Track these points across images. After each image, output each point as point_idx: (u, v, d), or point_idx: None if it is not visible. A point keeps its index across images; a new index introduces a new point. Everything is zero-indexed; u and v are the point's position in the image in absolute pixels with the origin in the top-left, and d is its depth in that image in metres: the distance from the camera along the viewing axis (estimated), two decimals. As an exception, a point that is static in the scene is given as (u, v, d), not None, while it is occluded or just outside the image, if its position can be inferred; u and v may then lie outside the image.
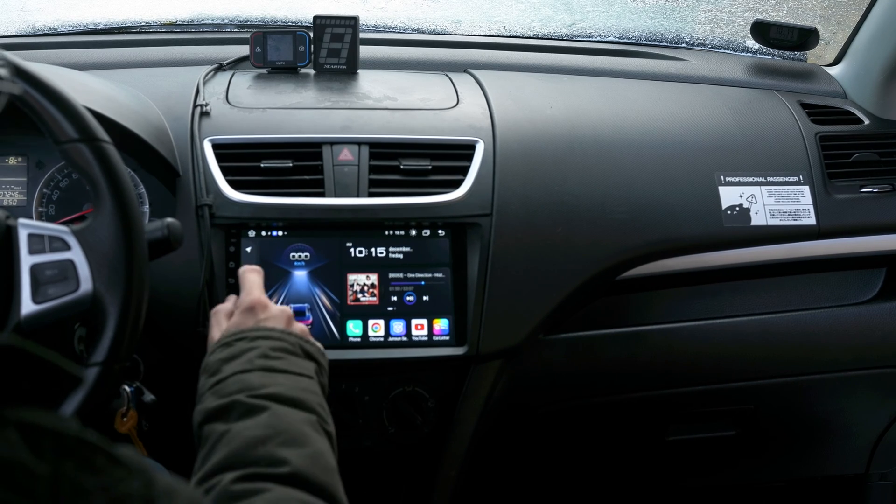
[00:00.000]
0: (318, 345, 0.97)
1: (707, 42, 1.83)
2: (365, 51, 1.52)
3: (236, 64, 1.52)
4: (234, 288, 1.23)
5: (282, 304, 1.25)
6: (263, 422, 0.80)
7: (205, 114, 1.31)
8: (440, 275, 1.27)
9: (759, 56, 1.78)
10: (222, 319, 1.00)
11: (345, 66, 1.50)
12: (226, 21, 1.75)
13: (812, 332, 1.48)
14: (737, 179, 1.41)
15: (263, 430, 0.79)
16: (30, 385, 0.48)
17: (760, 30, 1.66)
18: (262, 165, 1.27)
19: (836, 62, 1.70)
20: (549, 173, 1.34)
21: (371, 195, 1.27)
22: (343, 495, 0.79)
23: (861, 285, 1.53)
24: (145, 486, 0.46)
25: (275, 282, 1.25)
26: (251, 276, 1.03)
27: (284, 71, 1.49)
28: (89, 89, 1.20)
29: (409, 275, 1.27)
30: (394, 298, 1.26)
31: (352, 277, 1.26)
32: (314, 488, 0.75)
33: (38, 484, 0.42)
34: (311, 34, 1.49)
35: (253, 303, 0.98)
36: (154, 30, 1.71)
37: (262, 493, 0.73)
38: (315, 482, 0.76)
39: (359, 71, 1.50)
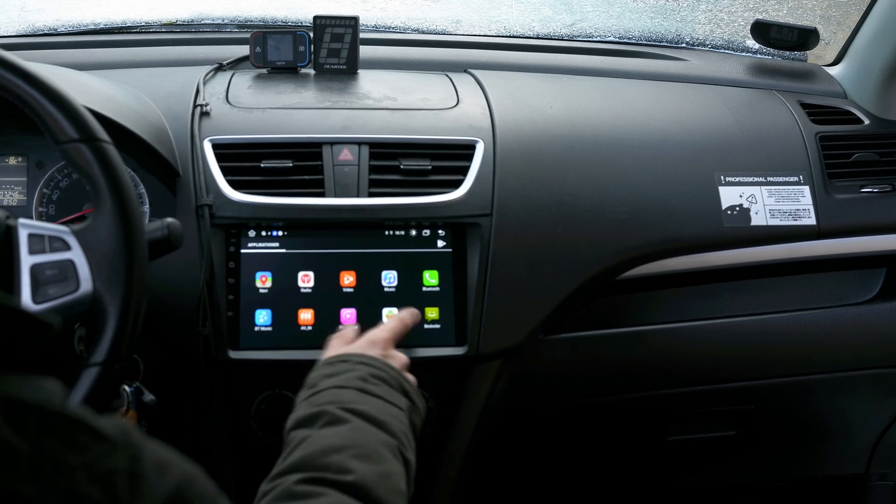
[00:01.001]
0: (420, 391, 0.99)
1: (707, 42, 1.83)
2: (365, 51, 1.52)
3: (236, 64, 1.52)
4: (234, 288, 1.24)
5: (281, 303, 1.25)
6: (343, 433, 0.82)
7: (205, 114, 1.31)
8: (440, 275, 1.27)
9: (759, 56, 1.78)
10: (338, 344, 1.03)
11: (345, 66, 1.50)
12: (226, 21, 1.75)
13: (812, 332, 1.48)
14: (737, 179, 1.41)
15: (341, 440, 0.81)
16: (8, 341, 0.47)
17: (760, 30, 1.66)
18: (262, 165, 1.27)
19: (836, 62, 1.70)
20: (549, 173, 1.34)
21: (371, 195, 1.27)
22: None
23: (861, 285, 1.53)
24: (131, 460, 0.46)
25: (275, 281, 1.25)
26: (402, 321, 1.08)
27: (284, 71, 1.49)
28: (89, 89, 1.20)
29: (409, 275, 1.27)
30: (394, 299, 1.26)
31: (351, 277, 1.26)
32: (374, 503, 0.76)
33: (18, 460, 0.41)
34: (311, 34, 1.49)
35: (379, 338, 1.02)
36: (154, 30, 1.71)
37: (321, 496, 0.74)
38: (377, 498, 0.77)
39: (359, 71, 1.50)
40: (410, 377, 1.00)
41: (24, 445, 0.42)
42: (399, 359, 1.01)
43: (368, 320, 1.26)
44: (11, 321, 0.47)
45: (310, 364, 1.23)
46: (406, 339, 1.25)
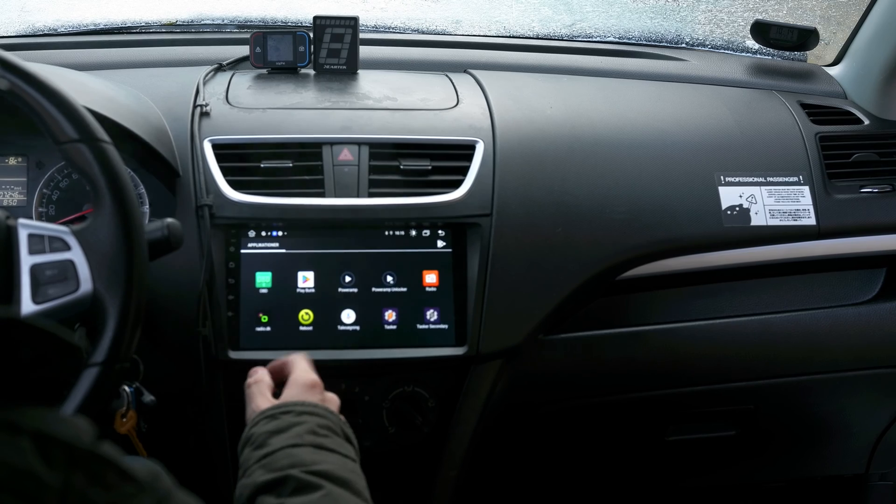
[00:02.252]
0: (352, 434, 0.96)
1: (707, 42, 1.83)
2: (365, 51, 1.52)
3: (236, 64, 1.52)
4: (234, 288, 1.24)
5: (281, 304, 1.25)
6: (318, 501, 0.79)
7: (205, 114, 1.31)
8: (440, 275, 1.27)
9: (759, 56, 1.78)
10: (265, 390, 0.98)
11: (345, 67, 1.50)
12: (226, 21, 1.75)
13: (812, 332, 1.48)
14: (737, 179, 1.41)
15: None
16: (31, 358, 0.48)
17: (760, 30, 1.66)
18: (262, 165, 1.27)
19: (836, 62, 1.70)
20: (549, 173, 1.34)
21: (371, 195, 1.27)
22: None
23: (861, 285, 1.53)
24: (157, 503, 0.46)
25: (275, 281, 1.25)
26: (303, 364, 1.02)
27: (284, 71, 1.49)
28: (89, 89, 1.20)
29: (409, 275, 1.27)
30: (394, 299, 1.26)
31: (351, 278, 1.26)
32: None
33: (47, 494, 0.42)
34: (311, 34, 1.49)
35: (316, 382, 0.97)
36: (154, 30, 1.71)
37: None
38: None
39: (359, 71, 1.50)
40: (342, 417, 0.96)
41: (53, 479, 0.43)
42: (334, 401, 0.98)
43: (368, 320, 1.26)
44: (41, 344, 0.48)
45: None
46: (406, 339, 1.26)
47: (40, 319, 0.48)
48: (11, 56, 0.88)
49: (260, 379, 1.00)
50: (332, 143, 1.30)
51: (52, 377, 0.49)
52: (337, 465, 0.84)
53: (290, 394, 0.96)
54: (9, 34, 1.68)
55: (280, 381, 1.01)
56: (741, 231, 1.39)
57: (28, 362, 0.47)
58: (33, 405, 0.46)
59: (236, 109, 1.34)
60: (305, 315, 1.25)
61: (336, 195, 1.26)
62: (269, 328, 1.24)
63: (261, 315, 1.24)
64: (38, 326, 0.48)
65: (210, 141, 1.28)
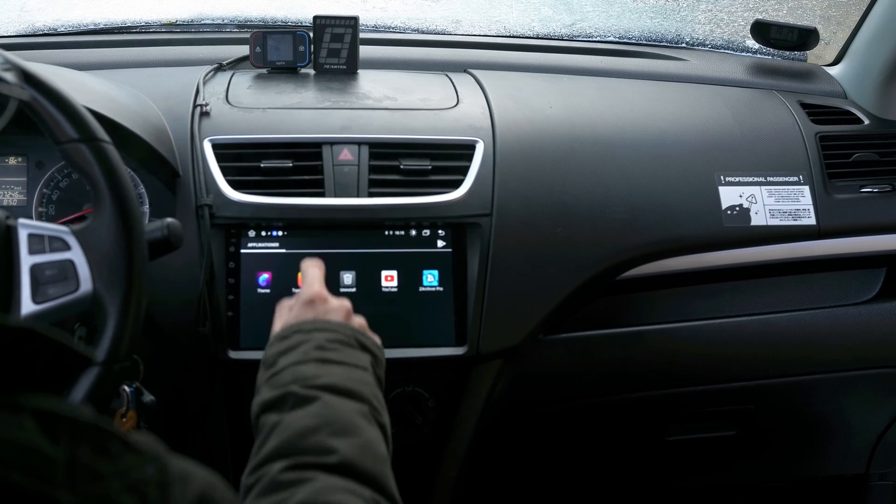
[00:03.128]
0: (376, 338, 0.97)
1: (707, 42, 1.83)
2: (365, 51, 1.52)
3: (236, 64, 1.52)
4: (234, 288, 1.24)
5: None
6: (315, 412, 0.81)
7: (205, 114, 1.31)
8: (440, 275, 1.27)
9: (759, 56, 1.78)
10: (284, 313, 1.00)
11: (345, 66, 1.50)
12: (226, 21, 1.75)
13: (812, 332, 1.48)
14: (737, 179, 1.41)
15: (314, 420, 0.80)
16: (43, 367, 0.48)
17: (760, 30, 1.66)
18: (262, 165, 1.27)
19: (836, 62, 1.70)
20: (549, 173, 1.34)
21: (371, 195, 1.27)
22: (393, 485, 0.80)
23: (861, 285, 1.53)
24: (160, 471, 0.47)
25: (275, 281, 1.25)
26: (312, 270, 1.03)
27: (284, 71, 1.49)
28: (89, 89, 1.20)
29: (409, 275, 1.27)
30: (394, 299, 1.26)
31: (351, 278, 1.26)
32: (362, 477, 0.76)
33: (55, 469, 0.42)
34: (311, 34, 1.49)
35: (313, 296, 0.98)
36: (154, 30, 1.71)
37: (309, 481, 0.74)
38: (363, 471, 0.77)
39: (359, 71, 1.50)
40: (360, 322, 0.97)
41: (59, 454, 0.43)
42: (343, 308, 0.97)
43: (368, 320, 1.26)
44: (53, 354, 0.48)
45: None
46: (406, 339, 1.26)
47: (48, 328, 0.48)
48: (12, 56, 0.88)
49: (281, 303, 1.02)
50: (332, 142, 1.30)
51: (59, 384, 0.50)
52: (340, 376, 0.86)
53: (292, 315, 0.97)
54: (9, 34, 1.68)
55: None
56: (741, 231, 1.39)
57: (38, 372, 0.48)
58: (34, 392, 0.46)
59: (236, 109, 1.34)
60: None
61: (336, 195, 1.26)
62: (269, 328, 1.24)
63: (261, 315, 1.24)
64: (47, 335, 0.48)
65: (210, 141, 1.28)
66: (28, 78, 0.88)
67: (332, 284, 1.26)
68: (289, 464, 0.76)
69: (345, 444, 0.78)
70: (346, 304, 0.98)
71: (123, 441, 0.46)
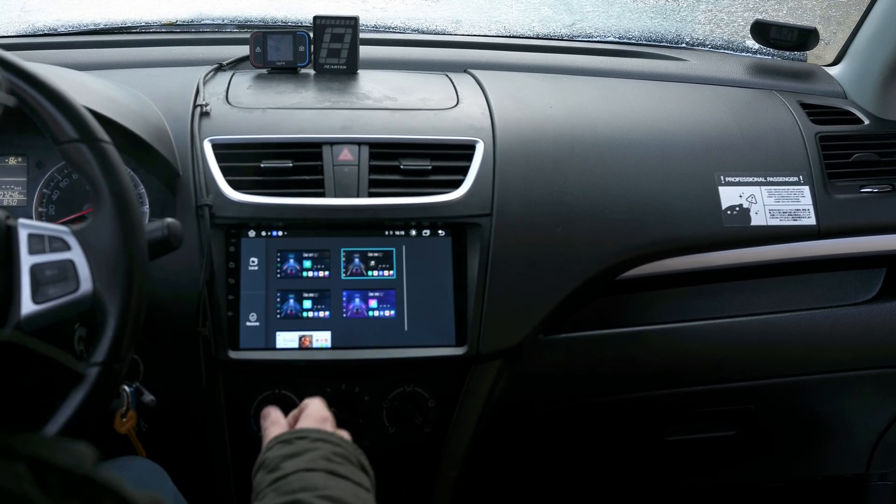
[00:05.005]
0: (368, 464, 0.94)
1: (707, 42, 1.83)
2: (365, 51, 1.52)
3: (236, 64, 1.52)
4: (235, 288, 1.24)
5: (280, 304, 1.25)
6: None
7: (205, 114, 1.31)
8: (440, 275, 1.27)
9: (759, 56, 1.78)
10: (280, 418, 0.98)
11: (345, 67, 1.50)
12: (226, 21, 1.75)
13: (812, 332, 1.48)
14: (737, 179, 1.41)
15: None
16: (31, 381, 0.48)
17: (760, 30, 1.66)
18: (262, 165, 1.27)
19: (836, 62, 1.70)
20: (549, 173, 1.34)
21: (371, 195, 1.27)
22: None
23: (861, 285, 1.53)
24: None
25: (274, 283, 1.25)
26: (317, 401, 1.01)
27: (284, 71, 1.49)
28: (89, 89, 1.20)
29: (410, 275, 1.27)
30: (394, 299, 1.26)
31: (351, 278, 1.26)
32: None
33: None
34: (311, 34, 1.49)
35: (328, 417, 0.97)
36: (154, 30, 1.71)
37: None
38: None
39: (359, 71, 1.50)
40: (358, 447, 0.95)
41: None
42: (346, 435, 0.96)
43: (368, 321, 1.26)
44: (45, 370, 0.48)
45: (309, 365, 1.24)
46: (406, 339, 1.26)
47: (36, 341, 0.48)
48: (11, 56, 0.88)
49: (276, 419, 0.99)
50: (332, 142, 1.30)
51: (47, 393, 0.49)
52: (349, 492, 0.83)
53: (304, 424, 0.95)
54: (9, 34, 1.68)
55: (295, 422, 1.00)
56: (741, 231, 1.39)
57: (28, 388, 0.47)
58: (32, 430, 0.46)
59: (236, 109, 1.34)
60: (306, 315, 1.25)
61: (336, 195, 1.26)
62: (268, 328, 1.24)
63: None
64: (35, 350, 0.48)
65: (210, 141, 1.28)
66: (28, 78, 0.88)
67: (331, 284, 1.26)
68: None
69: None
70: (348, 435, 0.96)
71: (119, 497, 0.46)
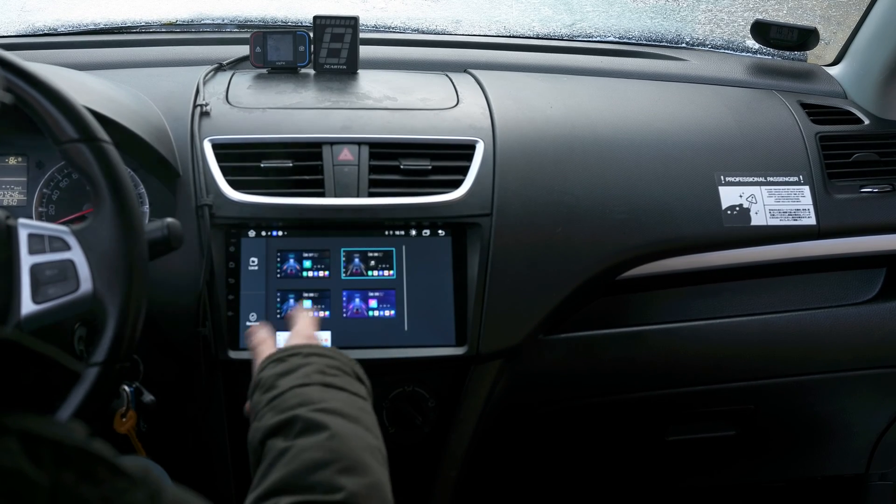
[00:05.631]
0: (364, 373, 0.96)
1: (707, 42, 1.83)
2: (365, 51, 1.52)
3: (236, 64, 1.52)
4: (235, 288, 1.24)
5: (280, 304, 1.25)
6: (325, 444, 0.78)
7: (205, 114, 1.31)
8: (440, 275, 1.27)
9: (759, 56, 1.78)
10: (267, 337, 0.99)
11: (345, 66, 1.50)
12: (226, 21, 1.75)
13: (812, 332, 1.48)
14: (737, 179, 1.41)
15: (323, 454, 0.77)
16: (30, 381, 0.48)
17: (760, 30, 1.66)
18: (262, 165, 1.27)
19: (836, 62, 1.70)
20: (549, 173, 1.34)
21: (371, 195, 1.27)
22: None
23: (861, 285, 1.53)
24: (150, 497, 0.46)
25: (274, 283, 1.25)
26: (304, 316, 1.03)
27: (284, 71, 1.49)
28: (89, 89, 1.20)
29: (410, 275, 1.27)
30: (394, 299, 1.26)
31: (351, 278, 1.26)
32: None
33: (36, 493, 0.42)
34: (311, 34, 1.49)
35: (311, 334, 0.98)
36: (154, 30, 1.71)
37: None
38: None
39: (359, 71, 1.50)
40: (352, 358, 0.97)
41: (42, 478, 0.42)
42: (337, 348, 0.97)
43: (368, 321, 1.26)
44: (40, 367, 0.48)
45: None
46: (406, 339, 1.26)
47: (34, 340, 0.48)
48: (11, 56, 0.88)
49: (264, 338, 1.00)
50: (332, 142, 1.30)
51: (45, 392, 0.49)
52: (345, 402, 0.84)
53: (293, 341, 0.96)
54: (9, 34, 1.68)
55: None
56: (741, 231, 1.39)
57: (26, 385, 0.47)
58: (24, 411, 0.46)
59: (236, 109, 1.34)
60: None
61: (336, 195, 1.26)
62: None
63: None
64: (33, 348, 0.47)
65: (210, 141, 1.28)
66: (28, 78, 0.88)
67: (332, 284, 1.26)
68: (294, 500, 0.73)
69: (352, 483, 0.75)
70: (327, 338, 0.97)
71: (111, 466, 0.46)
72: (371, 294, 1.26)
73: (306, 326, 1.01)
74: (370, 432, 0.83)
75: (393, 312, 1.26)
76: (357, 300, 1.26)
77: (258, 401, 0.86)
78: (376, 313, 1.26)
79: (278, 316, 1.25)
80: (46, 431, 0.45)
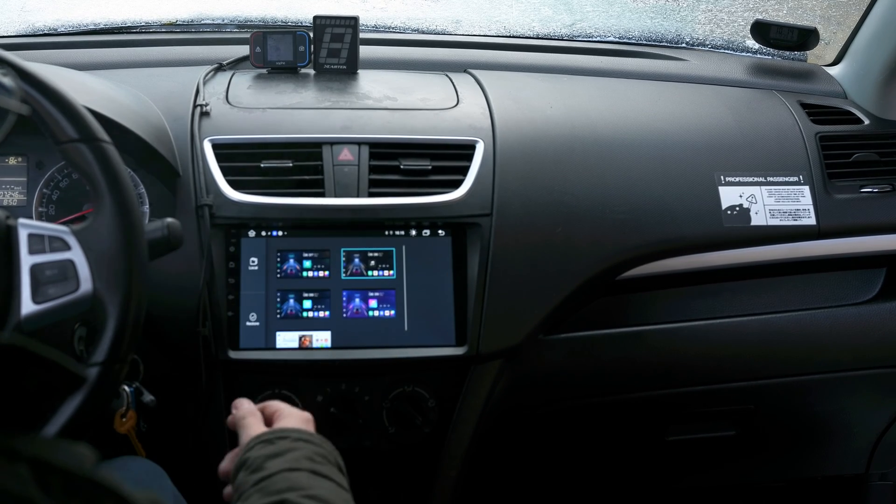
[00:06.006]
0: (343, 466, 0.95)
1: (707, 42, 1.83)
2: (365, 51, 1.52)
3: (236, 64, 1.52)
4: (235, 288, 1.24)
5: (280, 304, 1.25)
6: None
7: (205, 114, 1.31)
8: (440, 275, 1.27)
9: (759, 56, 1.78)
10: (259, 421, 0.98)
11: (345, 66, 1.50)
12: (226, 21, 1.75)
13: (812, 332, 1.48)
14: (737, 179, 1.41)
15: None
16: (33, 384, 0.48)
17: (760, 30, 1.66)
18: (262, 165, 1.27)
19: (836, 62, 1.70)
20: (549, 173, 1.34)
21: (371, 195, 1.27)
22: None
23: (861, 285, 1.53)
24: None
25: (274, 283, 1.25)
26: (286, 404, 1.02)
27: (284, 71, 1.49)
28: (89, 89, 1.20)
29: (410, 275, 1.27)
30: (394, 299, 1.26)
31: (350, 278, 1.26)
32: None
33: None
34: (311, 34, 1.49)
35: (308, 417, 0.97)
36: (154, 30, 1.71)
37: None
38: None
39: (359, 71, 1.50)
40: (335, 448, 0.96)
41: None
42: (311, 423, 0.97)
43: (368, 321, 1.26)
44: (46, 373, 0.48)
45: (309, 365, 1.24)
46: (406, 339, 1.26)
47: (38, 344, 0.48)
48: (12, 56, 0.88)
49: (252, 411, 0.99)
50: (332, 142, 1.30)
51: (48, 396, 0.49)
52: (332, 492, 0.83)
53: (285, 423, 0.95)
54: (9, 34, 1.68)
55: (267, 418, 1.00)
56: (741, 231, 1.39)
57: (28, 390, 0.47)
58: (31, 430, 0.46)
59: (236, 109, 1.34)
60: (306, 315, 1.25)
61: (336, 195, 1.26)
62: (268, 328, 1.24)
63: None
64: (37, 353, 0.48)
65: (210, 141, 1.28)
66: (28, 78, 0.88)
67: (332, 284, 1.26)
68: None
69: None
70: (310, 417, 0.97)
71: (120, 497, 0.46)
72: (371, 294, 1.26)
73: (296, 411, 0.99)
74: None
75: (393, 312, 1.26)
76: (357, 300, 1.26)
77: (244, 480, 0.85)
78: (376, 313, 1.26)
79: (278, 316, 1.25)
80: (56, 460, 0.45)
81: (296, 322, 1.25)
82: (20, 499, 0.42)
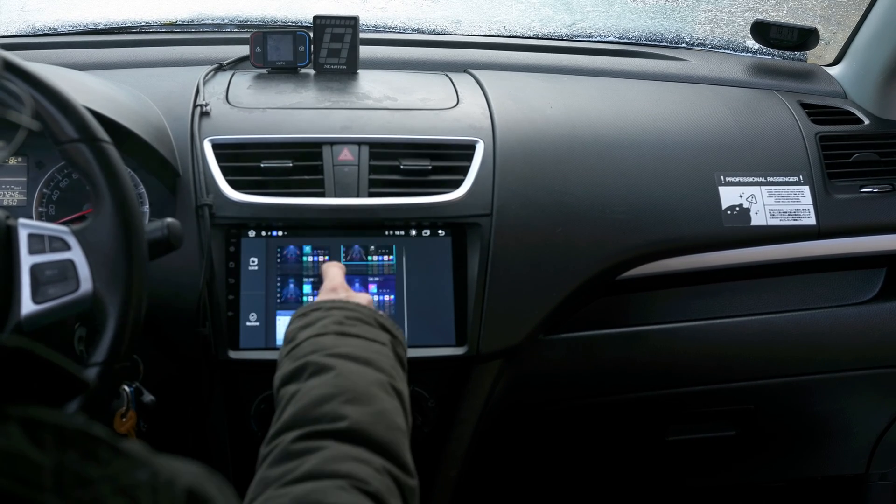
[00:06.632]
0: (395, 324, 0.99)
1: (707, 42, 1.83)
2: (365, 51, 1.52)
3: (236, 64, 1.52)
4: (235, 288, 1.24)
5: (280, 303, 1.25)
6: (330, 380, 0.82)
7: (205, 114, 1.31)
8: (440, 275, 1.27)
9: (759, 56, 1.78)
10: (332, 281, 1.05)
11: (345, 66, 1.50)
12: (226, 21, 1.75)
13: (812, 332, 1.48)
14: (737, 179, 1.41)
15: (329, 389, 0.81)
16: (37, 387, 0.48)
17: (760, 30, 1.66)
18: (262, 165, 1.27)
19: (836, 62, 1.70)
20: (549, 173, 1.34)
21: (371, 195, 1.27)
22: (408, 455, 0.80)
23: (861, 285, 1.53)
24: (152, 475, 0.47)
25: (274, 283, 1.25)
26: (334, 269, 1.08)
27: (284, 71, 1.49)
28: (89, 89, 1.20)
29: (410, 275, 1.27)
30: (394, 300, 1.26)
31: (350, 277, 1.26)
32: (374, 445, 0.76)
33: (41, 474, 0.42)
34: (311, 34, 1.49)
35: (336, 286, 1.03)
36: (154, 30, 1.71)
37: (319, 450, 0.74)
38: (375, 439, 0.77)
39: (359, 71, 1.50)
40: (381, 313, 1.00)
41: (46, 460, 0.43)
42: (366, 297, 1.02)
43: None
44: (47, 376, 0.48)
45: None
46: (407, 339, 1.26)
47: (43, 348, 0.48)
48: (11, 56, 0.88)
49: (341, 270, 1.08)
50: (332, 142, 1.30)
51: (51, 398, 0.50)
52: (357, 347, 0.88)
53: (322, 297, 1.01)
54: (9, 34, 1.68)
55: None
56: (741, 231, 1.39)
57: (32, 393, 0.48)
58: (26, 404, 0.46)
59: (236, 109, 1.34)
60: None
61: (336, 195, 1.26)
62: (268, 328, 1.24)
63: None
64: (42, 356, 0.48)
65: (210, 141, 1.28)
66: (28, 78, 0.88)
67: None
68: (301, 433, 0.77)
69: (357, 411, 0.78)
70: (368, 296, 1.03)
71: (112, 446, 0.46)
72: (371, 294, 1.26)
73: (335, 278, 1.06)
74: (382, 371, 0.86)
75: (393, 312, 1.26)
76: (357, 300, 1.26)
77: (282, 352, 0.92)
78: (376, 313, 1.26)
79: (278, 316, 1.25)
80: (47, 417, 0.45)
81: (296, 322, 1.24)
82: (13, 454, 0.42)
